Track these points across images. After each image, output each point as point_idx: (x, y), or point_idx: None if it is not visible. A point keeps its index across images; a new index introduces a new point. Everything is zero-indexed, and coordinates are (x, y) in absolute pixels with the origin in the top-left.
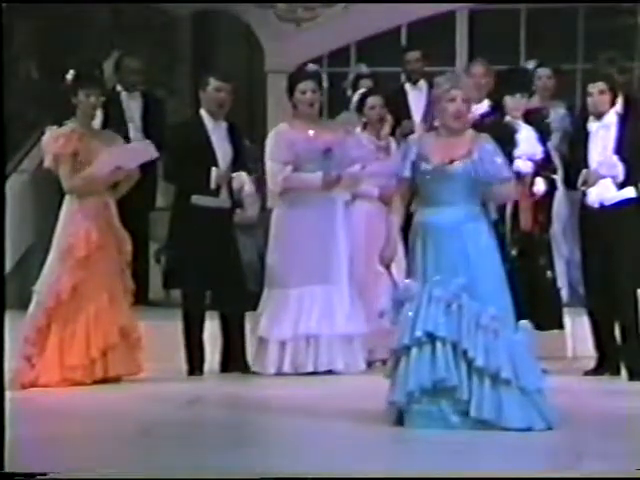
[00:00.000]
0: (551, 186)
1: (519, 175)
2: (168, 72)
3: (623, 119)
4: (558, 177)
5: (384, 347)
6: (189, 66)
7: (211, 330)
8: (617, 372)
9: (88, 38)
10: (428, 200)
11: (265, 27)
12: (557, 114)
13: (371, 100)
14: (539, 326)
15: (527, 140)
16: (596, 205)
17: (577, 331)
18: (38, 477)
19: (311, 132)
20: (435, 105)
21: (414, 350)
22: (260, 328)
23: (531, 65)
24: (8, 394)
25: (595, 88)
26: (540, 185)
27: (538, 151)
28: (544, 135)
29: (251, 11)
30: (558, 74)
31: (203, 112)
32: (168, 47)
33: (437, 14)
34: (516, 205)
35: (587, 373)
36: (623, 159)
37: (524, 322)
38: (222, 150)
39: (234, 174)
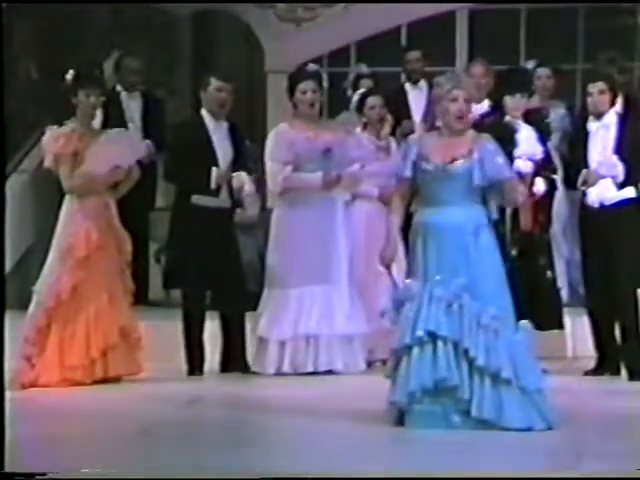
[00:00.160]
0: (551, 186)
1: (519, 175)
2: (168, 72)
3: (623, 119)
4: (558, 177)
5: (384, 347)
6: (189, 66)
7: (211, 330)
8: (617, 372)
9: (88, 38)
10: (429, 200)
11: (265, 27)
12: (557, 114)
13: (371, 100)
14: (539, 326)
15: (527, 140)
16: (596, 205)
17: (577, 331)
18: (38, 477)
19: (311, 133)
20: (436, 105)
21: (415, 350)
22: (260, 328)
23: (531, 65)
24: (8, 394)
25: (595, 88)
26: (540, 185)
27: (538, 151)
28: (544, 135)
29: (251, 11)
30: (558, 74)
31: (204, 112)
32: (168, 47)
33: (437, 14)
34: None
35: (587, 373)
36: (623, 159)
37: (524, 322)
38: (223, 150)
39: (234, 174)
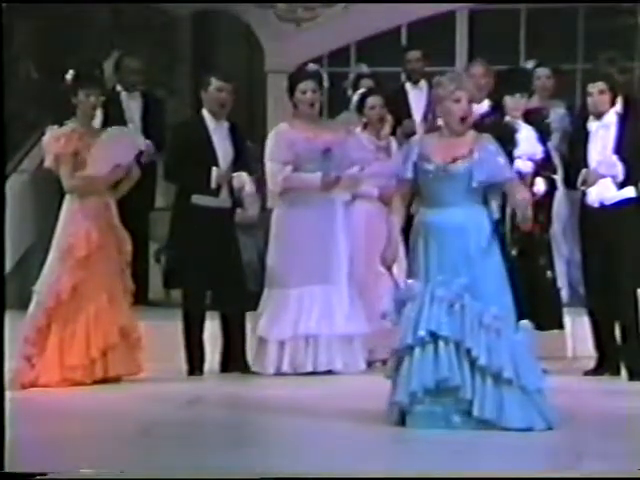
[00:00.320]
0: (551, 186)
1: (519, 175)
2: (168, 72)
3: (623, 119)
4: (558, 177)
5: (384, 347)
6: (189, 66)
7: (211, 330)
8: (617, 372)
9: (88, 38)
10: (430, 200)
11: (265, 27)
12: (557, 114)
13: (371, 100)
14: (539, 326)
15: (527, 140)
16: (596, 205)
17: (577, 331)
18: (38, 477)
19: (310, 133)
20: (437, 105)
21: (417, 350)
22: (260, 328)
23: (530, 65)
24: (8, 394)
25: (595, 88)
26: (540, 185)
27: (538, 151)
28: (544, 135)
29: (251, 11)
30: (558, 74)
31: (205, 112)
32: (168, 47)
33: (437, 14)
34: None
35: (587, 373)
36: (623, 159)
37: (524, 322)
38: (223, 150)
39: (235, 174)
